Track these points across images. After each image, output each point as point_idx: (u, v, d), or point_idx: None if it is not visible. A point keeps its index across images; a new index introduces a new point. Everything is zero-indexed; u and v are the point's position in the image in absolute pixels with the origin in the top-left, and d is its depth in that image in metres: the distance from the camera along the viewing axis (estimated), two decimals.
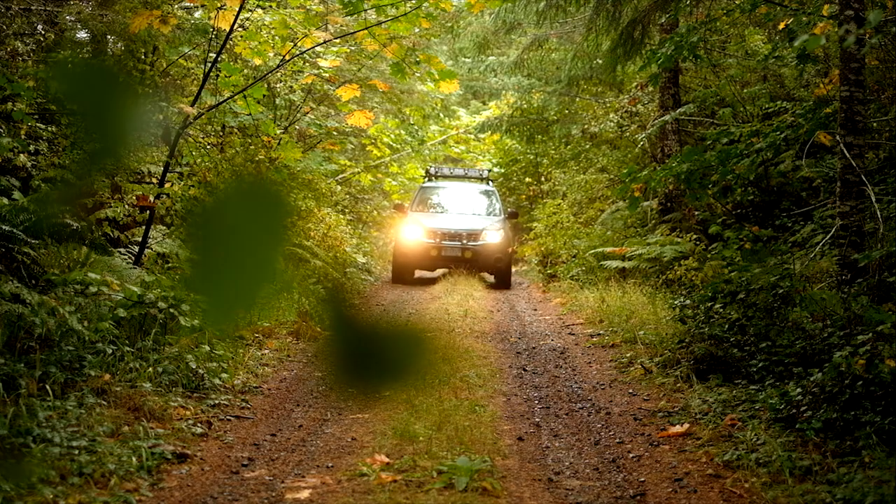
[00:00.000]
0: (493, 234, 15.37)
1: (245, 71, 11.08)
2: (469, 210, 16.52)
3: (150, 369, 5.99)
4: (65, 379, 5.47)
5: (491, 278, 16.24)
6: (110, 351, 6.00)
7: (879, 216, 6.75)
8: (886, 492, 4.10)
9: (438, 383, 6.47)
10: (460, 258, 15.10)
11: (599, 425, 5.99)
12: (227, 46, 9.86)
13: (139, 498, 4.26)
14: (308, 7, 11.08)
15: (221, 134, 11.84)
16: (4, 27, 9.02)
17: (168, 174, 9.60)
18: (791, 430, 5.12)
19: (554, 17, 14.82)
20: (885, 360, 5.07)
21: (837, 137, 7.12)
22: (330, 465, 4.95)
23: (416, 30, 11.47)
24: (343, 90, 11.22)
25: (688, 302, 7.79)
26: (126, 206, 9.50)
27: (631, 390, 7.03)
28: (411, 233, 15.31)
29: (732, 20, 10.30)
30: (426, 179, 18.33)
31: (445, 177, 18.47)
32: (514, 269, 18.39)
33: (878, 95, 9.73)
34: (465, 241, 15.15)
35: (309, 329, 8.87)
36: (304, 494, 4.47)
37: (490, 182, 18.41)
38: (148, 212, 9.36)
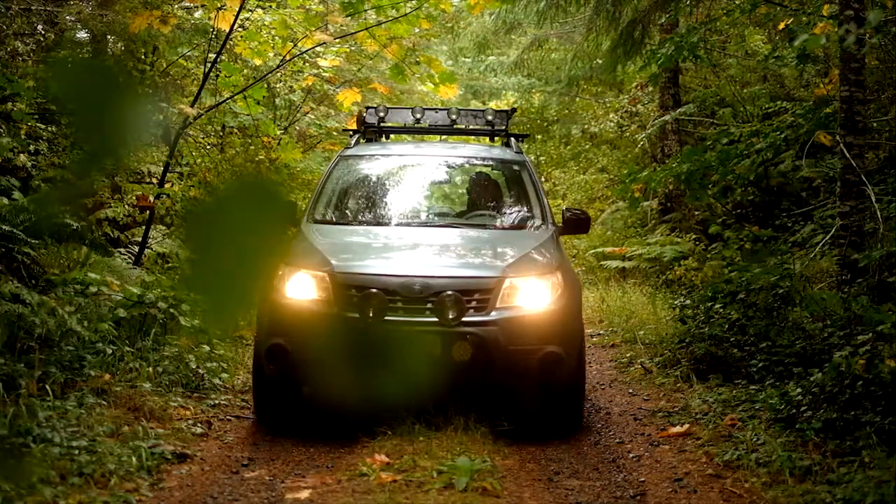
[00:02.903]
0: (535, 287, 5.74)
1: (245, 71, 11.08)
2: (459, 217, 7.08)
3: (150, 369, 5.99)
4: (65, 379, 5.47)
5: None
6: (110, 351, 6.00)
7: (879, 216, 6.75)
8: (886, 492, 4.10)
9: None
10: (441, 361, 5.43)
11: (599, 425, 5.99)
12: (227, 46, 9.86)
13: (139, 498, 4.26)
14: (308, 7, 11.09)
15: (221, 134, 11.84)
16: (4, 27, 9.02)
17: (168, 174, 9.61)
18: (791, 430, 5.12)
19: (554, 17, 14.80)
20: (885, 360, 5.07)
21: (837, 137, 7.13)
22: (330, 465, 4.96)
23: (416, 30, 11.48)
24: (343, 95, 11.23)
25: (688, 302, 7.79)
26: (126, 206, 9.51)
27: (631, 390, 7.03)
28: (300, 289, 5.64)
29: (732, 20, 10.29)
30: (352, 140, 7.72)
31: (406, 132, 8.40)
32: None
33: (878, 95, 9.73)
34: (451, 313, 5.45)
35: None
36: (304, 494, 4.47)
37: (515, 142, 7.69)
38: (148, 212, 9.36)
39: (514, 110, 8.51)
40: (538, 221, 6.66)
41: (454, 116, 7.82)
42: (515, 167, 7.26)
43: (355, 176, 7.28)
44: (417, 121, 7.80)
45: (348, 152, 7.43)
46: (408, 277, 5.51)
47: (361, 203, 7.04)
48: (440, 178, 7.89)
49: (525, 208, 6.87)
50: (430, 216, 6.99)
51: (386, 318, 5.41)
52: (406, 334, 5.48)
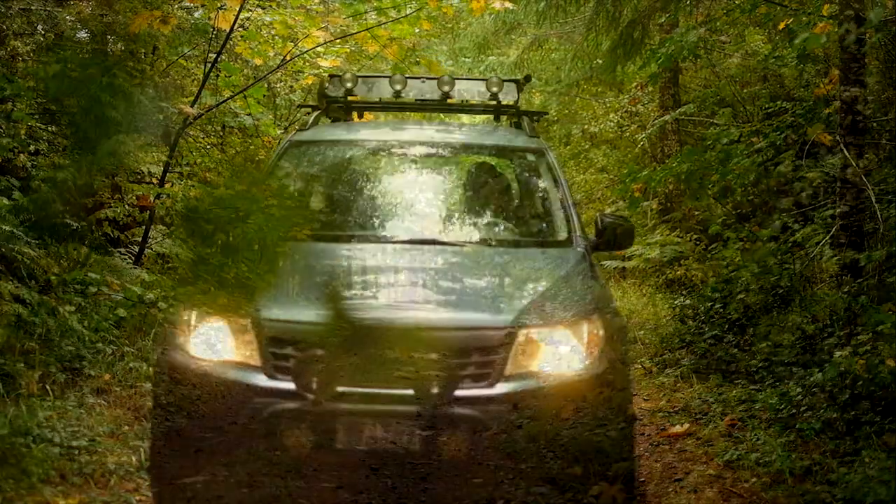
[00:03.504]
0: (564, 340, 3.73)
1: (245, 71, 11.08)
2: (451, 228, 4.79)
3: (150, 369, 5.99)
4: (65, 379, 5.48)
5: None
6: (110, 351, 6.01)
7: (879, 216, 6.75)
8: (886, 492, 4.10)
9: None
10: (422, 460, 3.43)
11: None
12: (227, 46, 9.86)
13: (139, 498, 4.26)
14: (308, 7, 11.09)
15: (221, 134, 11.84)
16: (4, 27, 9.02)
17: (168, 174, 9.61)
18: (791, 430, 5.13)
19: (554, 17, 14.81)
20: (885, 360, 5.07)
21: (837, 137, 7.13)
22: None
23: (417, 30, 11.48)
24: None
25: (688, 302, 7.80)
26: (126, 206, 9.51)
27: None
28: (210, 345, 3.72)
29: (732, 20, 10.29)
30: (309, 121, 5.66)
31: (383, 109, 6.61)
32: None
33: (879, 95, 9.73)
34: (436, 386, 3.46)
35: None
36: None
37: (529, 122, 5.78)
38: (148, 212, 9.36)
39: (528, 78, 6.34)
40: (563, 234, 4.70)
41: (447, 88, 5.81)
42: (531, 157, 5.33)
43: (308, 170, 5.23)
44: (398, 94, 5.86)
45: (301, 137, 5.37)
46: (385, 320, 3.57)
47: (312, 211, 4.96)
48: (426, 172, 5.49)
49: (545, 215, 4.95)
50: (410, 229, 4.72)
51: (337, 390, 3.44)
52: (367, 418, 3.41)
